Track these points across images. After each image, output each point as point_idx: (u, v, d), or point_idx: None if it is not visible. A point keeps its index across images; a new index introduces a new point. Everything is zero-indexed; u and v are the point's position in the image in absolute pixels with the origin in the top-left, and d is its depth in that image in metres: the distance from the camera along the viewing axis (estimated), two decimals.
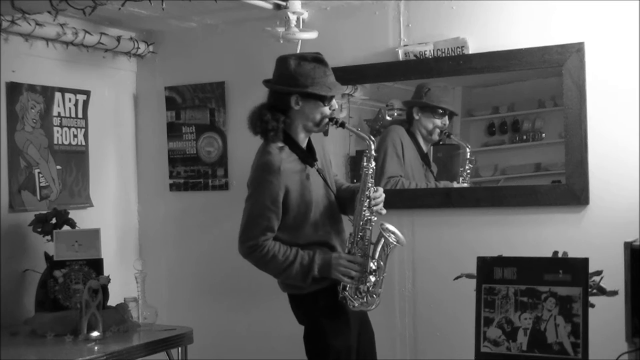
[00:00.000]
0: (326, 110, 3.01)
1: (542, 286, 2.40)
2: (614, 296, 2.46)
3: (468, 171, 3.70)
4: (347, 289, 2.98)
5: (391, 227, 3.02)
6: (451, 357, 3.55)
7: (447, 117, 3.77)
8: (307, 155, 3.05)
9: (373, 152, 3.01)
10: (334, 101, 3.04)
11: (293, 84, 2.96)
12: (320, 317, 3.02)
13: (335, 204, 3.12)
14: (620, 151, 3.28)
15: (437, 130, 3.78)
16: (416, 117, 3.80)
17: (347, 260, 2.96)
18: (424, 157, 3.82)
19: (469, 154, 3.71)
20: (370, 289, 2.97)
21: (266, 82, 3.10)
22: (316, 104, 2.98)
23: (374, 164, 3.02)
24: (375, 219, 3.03)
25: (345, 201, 3.16)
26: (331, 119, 3.01)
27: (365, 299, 2.98)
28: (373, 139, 3.04)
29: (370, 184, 3.01)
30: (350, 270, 2.95)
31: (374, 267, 2.98)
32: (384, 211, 3.07)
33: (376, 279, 2.99)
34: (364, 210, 3.00)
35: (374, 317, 3.43)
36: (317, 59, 3.00)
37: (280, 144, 2.99)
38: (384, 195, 3.07)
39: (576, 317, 2.34)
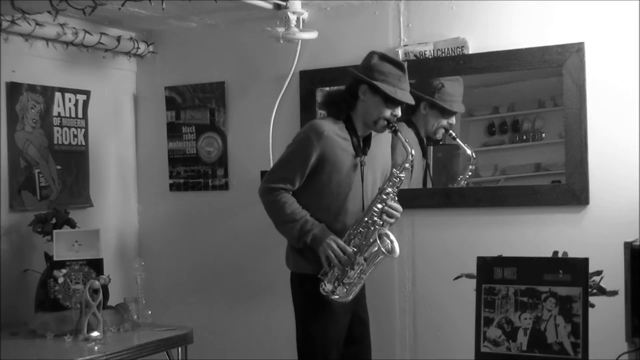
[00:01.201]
0: (387, 112, 3.06)
1: (542, 286, 2.40)
2: (614, 296, 2.46)
3: (468, 175, 3.68)
4: (327, 273, 3.01)
5: (391, 236, 3.03)
6: (451, 357, 3.55)
7: (454, 116, 3.73)
8: (359, 144, 3.11)
9: (408, 166, 3.07)
10: (398, 108, 3.08)
11: (367, 75, 3.06)
12: (303, 302, 3.09)
13: (364, 200, 3.13)
14: (620, 151, 3.28)
15: (442, 130, 3.73)
16: (422, 112, 3.73)
17: (338, 247, 2.99)
18: (423, 150, 3.77)
19: (472, 158, 3.67)
20: (345, 281, 2.99)
21: (348, 68, 3.22)
22: (380, 102, 3.05)
23: (404, 174, 3.07)
24: (382, 223, 3.04)
25: None
26: (388, 122, 3.07)
27: (338, 289, 2.99)
28: (414, 153, 3.08)
29: (392, 191, 3.06)
30: (334, 257, 2.98)
31: (358, 264, 2.99)
32: (391, 221, 3.08)
33: (355, 275, 3.00)
34: (375, 210, 3.04)
35: (374, 318, 3.43)
36: (399, 64, 3.10)
37: (338, 121, 3.10)
38: (400, 212, 3.09)
39: (576, 317, 2.34)
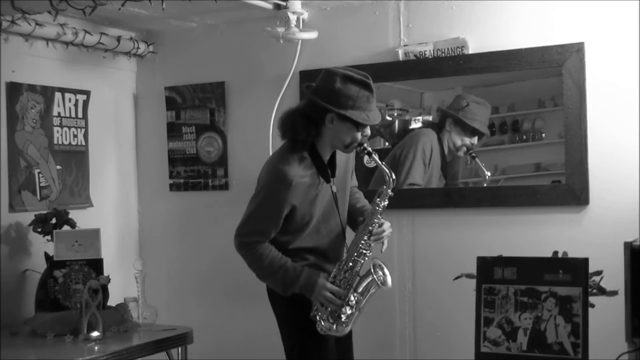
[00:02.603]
0: (358, 135, 2.91)
1: (542, 286, 2.40)
2: (614, 296, 2.46)
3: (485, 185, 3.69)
4: (320, 312, 2.94)
5: (384, 269, 2.95)
6: (451, 357, 3.56)
7: (477, 137, 3.73)
8: (326, 171, 2.99)
9: (389, 192, 2.94)
10: (367, 128, 2.93)
11: (334, 103, 2.85)
12: (295, 320, 3.02)
13: (341, 219, 3.07)
14: (620, 151, 3.28)
15: (464, 149, 3.74)
16: (447, 129, 3.76)
17: (330, 292, 2.91)
18: (444, 167, 3.79)
19: (487, 177, 3.68)
20: (343, 319, 2.93)
21: (307, 89, 3.00)
22: (351, 127, 2.88)
23: (386, 202, 2.95)
24: (370, 254, 2.97)
25: (355, 217, 3.12)
26: (360, 145, 2.93)
27: (335, 326, 2.93)
28: (394, 178, 2.94)
29: (376, 220, 2.96)
30: (329, 303, 2.91)
31: (353, 301, 2.93)
32: (384, 246, 3.03)
33: (352, 312, 2.94)
34: (362, 243, 2.95)
35: (374, 317, 3.43)
36: (364, 83, 2.86)
37: (304, 154, 2.93)
38: (389, 230, 3.01)
39: (576, 317, 2.34)
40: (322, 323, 2.94)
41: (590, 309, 2.35)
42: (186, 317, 3.94)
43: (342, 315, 2.93)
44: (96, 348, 3.14)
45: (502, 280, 2.46)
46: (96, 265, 3.59)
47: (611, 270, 2.50)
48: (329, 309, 2.92)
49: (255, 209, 2.96)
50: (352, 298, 2.93)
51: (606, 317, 2.63)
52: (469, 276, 2.60)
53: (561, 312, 2.36)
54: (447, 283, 3.07)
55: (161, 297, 4.17)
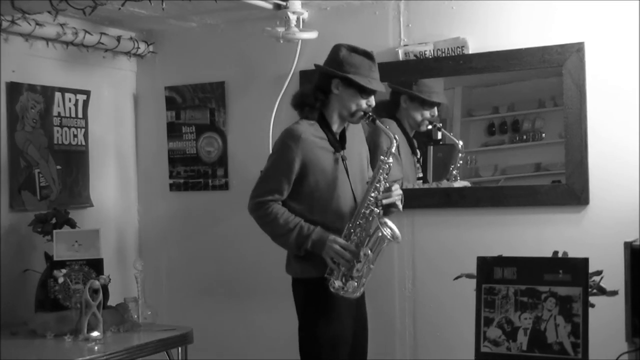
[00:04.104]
0: (363, 102, 3.09)
1: (542, 286, 2.40)
2: (614, 296, 2.46)
3: (459, 164, 3.66)
4: (334, 271, 3.00)
5: (389, 223, 3.02)
6: (451, 357, 3.55)
7: (436, 108, 3.74)
8: (336, 141, 3.12)
9: (393, 150, 3.07)
10: (372, 98, 3.11)
11: (338, 69, 3.07)
12: (310, 306, 3.07)
13: (354, 193, 3.13)
14: (620, 151, 3.28)
15: (426, 122, 3.75)
16: (403, 106, 3.76)
17: (340, 247, 2.98)
18: (412, 145, 3.78)
19: (460, 148, 3.67)
20: (354, 275, 2.98)
21: (317, 65, 3.20)
22: (355, 93, 3.07)
23: (392, 160, 3.06)
24: (379, 211, 3.04)
25: None
26: (364, 112, 3.09)
27: (347, 284, 2.98)
28: (397, 138, 3.09)
29: (382, 178, 3.05)
30: (340, 257, 2.97)
31: (364, 255, 2.98)
32: (399, 207, 3.13)
33: (363, 267, 2.98)
34: (370, 201, 3.03)
35: (374, 318, 3.43)
36: (367, 54, 3.11)
37: (312, 121, 3.10)
38: (399, 192, 3.11)
39: (576, 317, 2.34)
40: (335, 282, 2.98)
41: (590, 309, 2.35)
42: (186, 317, 3.94)
43: (354, 269, 2.97)
44: (96, 348, 3.14)
45: (502, 280, 2.46)
46: (96, 265, 3.59)
47: (611, 270, 2.50)
48: (342, 268, 2.97)
49: (269, 168, 3.11)
50: (365, 252, 2.98)
51: (606, 317, 2.62)
52: (469, 276, 2.60)
53: (561, 312, 2.36)
54: (447, 283, 3.07)
55: (161, 297, 4.18)
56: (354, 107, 3.09)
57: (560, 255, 2.57)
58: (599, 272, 2.49)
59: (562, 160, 3.39)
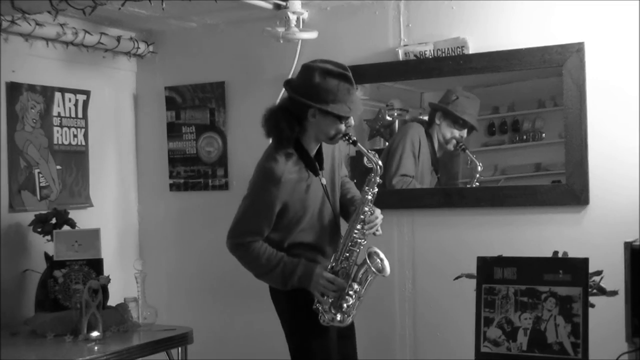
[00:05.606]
0: (342, 127, 2.92)
1: (542, 286, 2.40)
2: (614, 296, 2.46)
3: (475, 184, 3.70)
4: (322, 303, 2.94)
5: (380, 254, 2.95)
6: (451, 357, 3.56)
7: (466, 130, 3.76)
8: (314, 165, 3.00)
9: (377, 179, 2.95)
10: (351, 118, 2.94)
11: (314, 98, 2.86)
12: (298, 316, 3.02)
13: (334, 211, 3.07)
14: (620, 151, 3.28)
15: (454, 141, 3.77)
16: (437, 122, 3.79)
17: (327, 280, 2.91)
18: (435, 162, 3.81)
19: (480, 168, 3.71)
20: (344, 308, 2.93)
21: (287, 86, 2.99)
22: (333, 120, 2.89)
23: (376, 190, 2.96)
24: (365, 242, 2.97)
25: (347, 208, 3.13)
26: (345, 135, 2.94)
27: (337, 315, 2.93)
28: (381, 164, 2.96)
29: (367, 209, 2.95)
30: (328, 291, 2.91)
31: (352, 290, 2.92)
32: (379, 232, 3.02)
33: (352, 302, 2.93)
34: (355, 232, 2.95)
35: (374, 318, 3.43)
36: (343, 75, 2.87)
37: (290, 150, 2.94)
38: (381, 217, 3.00)
39: (576, 317, 2.34)
40: (325, 314, 2.94)
41: (590, 309, 2.35)
42: (186, 317, 3.94)
43: (344, 304, 2.92)
44: (96, 348, 3.14)
45: (502, 280, 2.46)
46: (96, 265, 3.59)
47: (611, 270, 2.50)
48: (331, 299, 2.92)
49: (247, 210, 2.97)
50: (351, 287, 2.92)
51: (606, 317, 2.63)
52: (469, 276, 2.60)
53: (561, 312, 2.36)
54: (447, 283, 3.07)
55: (161, 297, 4.17)
56: (332, 133, 2.92)
57: (560, 255, 2.57)
58: (599, 272, 2.49)
59: (562, 160, 3.39)
